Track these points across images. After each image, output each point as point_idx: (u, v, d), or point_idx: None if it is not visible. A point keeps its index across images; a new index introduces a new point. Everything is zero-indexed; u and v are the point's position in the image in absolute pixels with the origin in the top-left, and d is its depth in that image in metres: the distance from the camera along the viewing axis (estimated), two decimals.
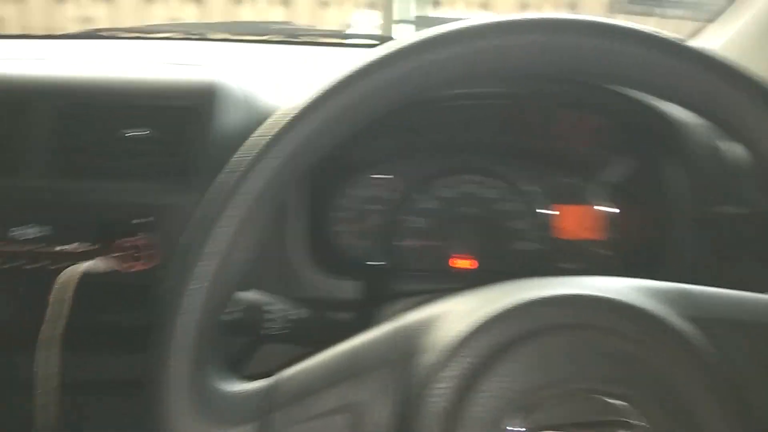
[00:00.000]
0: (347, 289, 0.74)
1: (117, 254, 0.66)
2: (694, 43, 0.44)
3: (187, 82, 0.75)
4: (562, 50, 0.42)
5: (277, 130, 0.42)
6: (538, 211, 0.90)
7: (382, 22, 3.77)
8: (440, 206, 0.90)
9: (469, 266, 0.89)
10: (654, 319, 0.40)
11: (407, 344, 0.41)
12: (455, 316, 0.42)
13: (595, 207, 0.89)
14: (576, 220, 0.90)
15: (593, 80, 0.45)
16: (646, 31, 0.43)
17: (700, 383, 0.39)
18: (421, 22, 3.59)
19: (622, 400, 0.38)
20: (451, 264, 0.89)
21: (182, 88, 0.74)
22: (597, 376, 0.39)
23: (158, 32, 1.13)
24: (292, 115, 0.42)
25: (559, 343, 0.39)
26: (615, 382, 0.39)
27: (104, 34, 1.11)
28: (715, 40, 0.94)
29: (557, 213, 0.90)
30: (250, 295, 0.59)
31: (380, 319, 0.65)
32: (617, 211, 0.88)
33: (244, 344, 0.67)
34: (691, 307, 0.42)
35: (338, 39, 1.17)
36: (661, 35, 0.43)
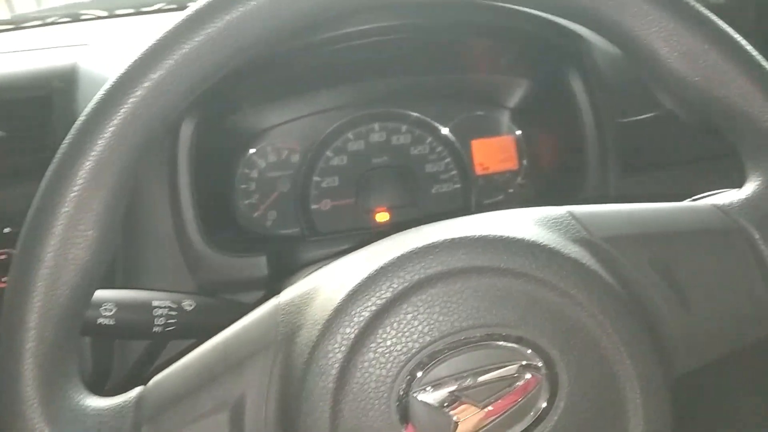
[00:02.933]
0: (255, 266, 0.70)
1: None
2: None
3: (41, 69, 0.67)
4: None
5: (112, 88, 0.37)
6: (450, 149, 0.86)
7: None
8: (350, 161, 0.86)
9: (387, 220, 0.85)
10: (542, 249, 0.37)
11: (284, 323, 0.37)
12: (332, 283, 0.38)
13: (506, 136, 0.86)
14: (489, 152, 0.87)
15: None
16: None
17: (600, 311, 0.36)
18: None
19: (519, 343, 0.35)
20: (370, 220, 0.85)
21: (36, 77, 0.67)
22: (489, 322, 0.36)
23: (31, 20, 1.04)
24: (127, 70, 0.37)
25: (443, 293, 0.36)
26: (510, 324, 0.36)
27: None
28: None
29: (470, 149, 0.87)
30: (133, 293, 0.54)
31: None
32: (528, 136, 0.85)
33: (147, 346, 0.63)
34: (582, 228, 0.39)
35: None
36: None
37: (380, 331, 0.35)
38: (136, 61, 0.37)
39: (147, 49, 0.38)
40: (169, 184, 0.68)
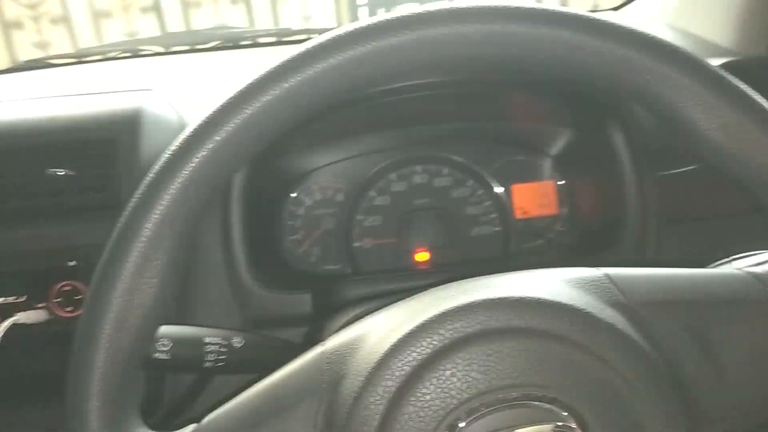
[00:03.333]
0: (300, 303, 0.72)
1: (54, 300, 0.64)
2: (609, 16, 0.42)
3: (108, 112, 0.72)
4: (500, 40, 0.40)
5: (180, 147, 0.40)
6: (491, 193, 0.88)
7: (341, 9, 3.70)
8: (392, 201, 0.89)
9: (427, 260, 0.87)
10: (579, 313, 0.38)
11: (329, 372, 0.39)
12: (375, 335, 0.40)
13: (546, 182, 0.88)
14: (529, 197, 0.88)
15: (534, 69, 0.43)
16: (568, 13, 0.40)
17: (634, 376, 0.37)
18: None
19: (554, 404, 0.37)
20: (410, 260, 0.87)
21: (103, 119, 0.72)
22: (525, 382, 0.37)
23: (93, 55, 1.11)
24: (194, 131, 0.40)
25: (481, 352, 0.38)
26: (545, 386, 0.37)
27: (36, 64, 1.08)
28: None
29: (510, 193, 0.88)
30: (187, 329, 0.57)
31: (330, 333, 0.64)
32: (569, 184, 0.87)
33: (193, 380, 0.66)
34: (618, 292, 0.41)
35: (281, 37, 1.14)
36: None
37: (420, 386, 0.37)
38: (205, 119, 0.40)
39: (216, 109, 0.41)
40: (221, 224, 0.72)
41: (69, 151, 0.69)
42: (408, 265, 0.87)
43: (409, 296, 0.69)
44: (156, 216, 0.40)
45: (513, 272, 0.44)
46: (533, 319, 0.38)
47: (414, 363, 0.37)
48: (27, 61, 1.11)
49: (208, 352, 0.57)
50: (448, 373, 0.37)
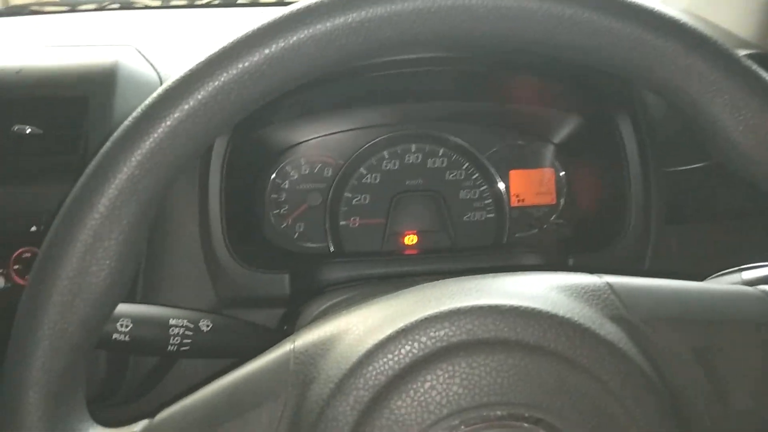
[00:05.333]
0: (278, 283, 0.68)
1: (13, 268, 0.60)
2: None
3: (81, 67, 0.67)
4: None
5: (144, 113, 0.35)
6: (487, 177, 0.84)
7: None
8: (383, 180, 0.84)
9: (416, 244, 0.83)
10: (577, 328, 0.34)
11: (296, 373, 0.35)
12: (350, 336, 0.36)
13: (546, 170, 0.84)
14: (527, 185, 0.84)
15: (550, 52, 0.38)
16: None
17: (633, 400, 0.34)
18: None
19: (540, 426, 0.33)
20: (397, 243, 0.83)
21: (75, 75, 0.66)
22: (511, 400, 0.33)
23: (86, 4, 1.04)
24: (162, 95, 0.35)
25: (465, 364, 0.34)
26: (533, 405, 0.33)
27: (29, 10, 1.02)
28: None
29: (507, 179, 0.84)
30: (150, 309, 0.53)
31: (305, 321, 0.60)
32: (570, 173, 0.82)
33: (155, 363, 0.62)
34: (621, 305, 0.37)
35: None
36: None
37: (395, 398, 0.33)
38: (174, 83, 0.36)
39: (187, 73, 0.36)
40: (198, 194, 0.67)
41: (37, 107, 0.64)
42: (395, 248, 0.83)
43: (391, 285, 0.65)
44: (112, 190, 0.35)
45: (506, 275, 0.40)
46: (525, 331, 0.34)
47: (390, 372, 0.33)
48: (13, 6, 1.05)
49: (173, 335, 0.53)
50: (427, 385, 0.33)
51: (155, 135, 0.35)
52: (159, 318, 0.53)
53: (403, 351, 0.33)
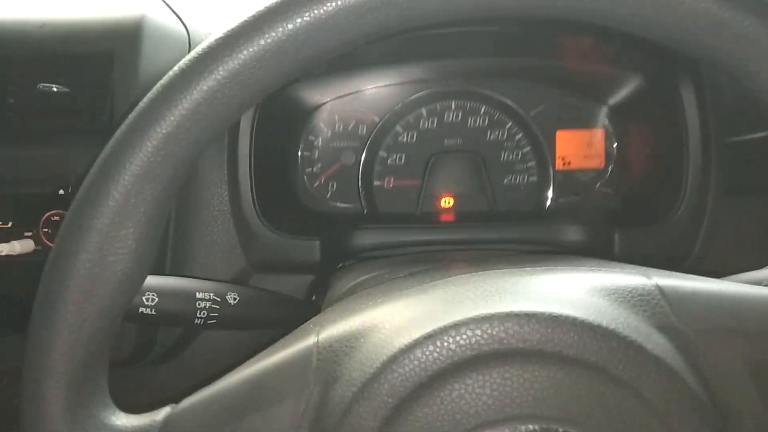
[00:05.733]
0: (309, 249, 0.66)
1: (43, 230, 0.60)
2: None
3: (107, 21, 0.64)
4: None
5: (173, 80, 0.33)
6: (531, 137, 0.79)
7: None
8: (419, 139, 0.80)
9: (452, 207, 0.80)
10: (621, 341, 0.31)
11: (319, 371, 0.34)
12: (377, 335, 0.34)
13: (596, 130, 0.78)
14: (574, 146, 0.79)
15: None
16: None
17: (678, 420, 0.31)
18: None
19: None
20: (433, 205, 0.80)
21: (100, 30, 0.63)
22: (545, 415, 0.31)
23: None
24: (192, 61, 0.33)
25: (497, 375, 0.31)
26: (569, 420, 0.31)
27: None
28: None
29: (553, 140, 0.79)
30: (177, 282, 0.51)
31: (333, 291, 0.58)
32: (622, 137, 0.77)
33: (179, 334, 0.62)
34: (671, 313, 0.33)
35: None
36: None
37: (422, 406, 0.31)
38: (206, 49, 0.33)
39: (221, 37, 0.33)
40: (227, 158, 0.65)
41: (62, 64, 0.62)
42: (430, 211, 0.80)
43: (423, 258, 0.62)
44: (136, 165, 0.33)
45: (545, 270, 0.37)
46: (563, 342, 0.31)
47: (416, 379, 0.31)
48: None
49: (200, 308, 0.51)
50: (455, 394, 0.31)
51: (185, 106, 0.33)
52: (185, 291, 0.52)
53: (430, 358, 0.31)
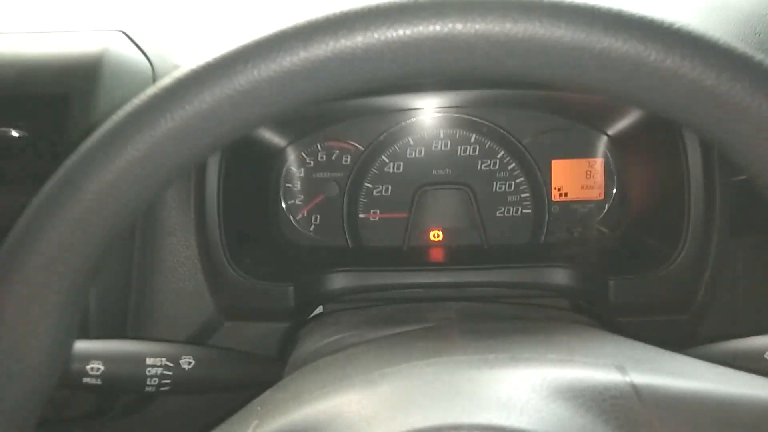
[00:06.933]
0: (282, 295, 0.62)
1: None
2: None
3: (62, 59, 0.60)
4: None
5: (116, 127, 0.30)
6: (526, 167, 0.74)
7: None
8: (407, 169, 0.76)
9: (441, 241, 0.75)
10: None
11: None
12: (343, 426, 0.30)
13: (595, 160, 0.72)
14: (571, 177, 0.73)
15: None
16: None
17: None
18: None
19: None
20: (421, 239, 0.76)
21: (56, 68, 0.60)
22: None
23: None
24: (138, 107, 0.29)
25: None
26: None
27: None
28: None
29: (549, 169, 0.74)
30: (124, 347, 0.48)
31: (299, 351, 0.54)
32: (622, 170, 0.71)
33: (130, 400, 0.58)
34: (647, 420, 0.29)
35: None
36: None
37: None
38: (159, 91, 0.29)
39: (179, 77, 0.29)
40: (194, 199, 0.61)
41: (17, 106, 0.59)
42: (417, 245, 0.75)
43: (399, 311, 0.58)
44: (45, 243, 0.30)
45: (512, 358, 0.33)
46: None
47: None
48: None
49: (150, 375, 0.48)
50: None
51: (95, 184, 0.29)
52: (134, 356, 0.48)
53: None
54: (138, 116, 0.30)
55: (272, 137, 0.72)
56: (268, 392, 0.39)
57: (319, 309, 0.69)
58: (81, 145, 0.31)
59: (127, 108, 0.30)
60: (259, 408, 0.35)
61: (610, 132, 0.70)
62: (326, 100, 0.30)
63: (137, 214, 0.32)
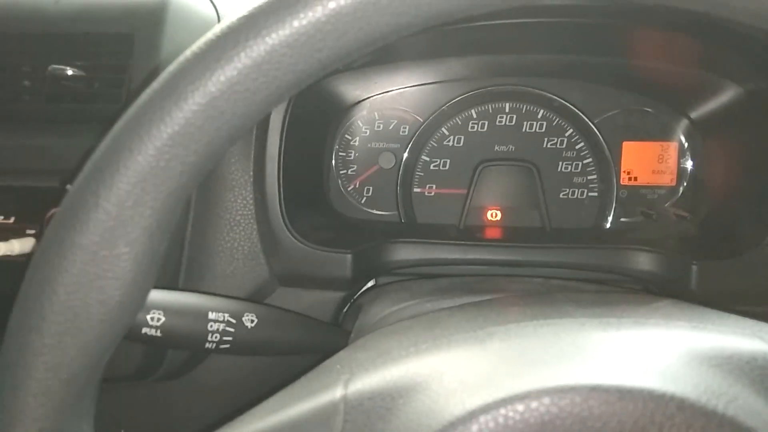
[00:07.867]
0: (339, 263, 0.59)
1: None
2: None
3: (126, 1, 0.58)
4: None
5: (187, 62, 0.27)
6: (595, 147, 0.70)
7: None
8: (467, 143, 0.72)
9: (499, 221, 0.72)
10: (725, 422, 0.24)
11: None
12: (415, 399, 0.27)
13: (668, 143, 0.69)
14: (642, 160, 0.70)
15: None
16: None
17: None
18: None
19: None
20: (477, 218, 0.72)
21: (121, 8, 0.57)
22: None
23: None
24: (211, 41, 0.27)
25: None
26: None
27: None
28: None
29: (619, 151, 0.70)
30: (187, 300, 0.45)
31: (364, 319, 0.51)
32: (701, 155, 0.67)
33: (187, 356, 0.55)
34: None
35: None
36: None
37: None
38: (229, 27, 0.26)
39: (247, 14, 0.26)
40: (254, 156, 0.58)
41: (76, 45, 0.56)
42: (474, 225, 0.72)
43: (469, 282, 0.54)
44: (133, 169, 0.27)
45: (636, 322, 0.29)
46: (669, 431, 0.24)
47: None
48: None
49: (212, 331, 0.45)
50: None
51: (188, 104, 0.26)
52: (197, 310, 0.45)
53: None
54: (251, 21, 0.27)
55: (340, 92, 0.69)
56: (344, 352, 0.36)
57: (371, 283, 0.66)
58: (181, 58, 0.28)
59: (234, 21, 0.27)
60: (338, 366, 0.32)
61: (693, 115, 0.67)
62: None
63: (235, 139, 0.29)
